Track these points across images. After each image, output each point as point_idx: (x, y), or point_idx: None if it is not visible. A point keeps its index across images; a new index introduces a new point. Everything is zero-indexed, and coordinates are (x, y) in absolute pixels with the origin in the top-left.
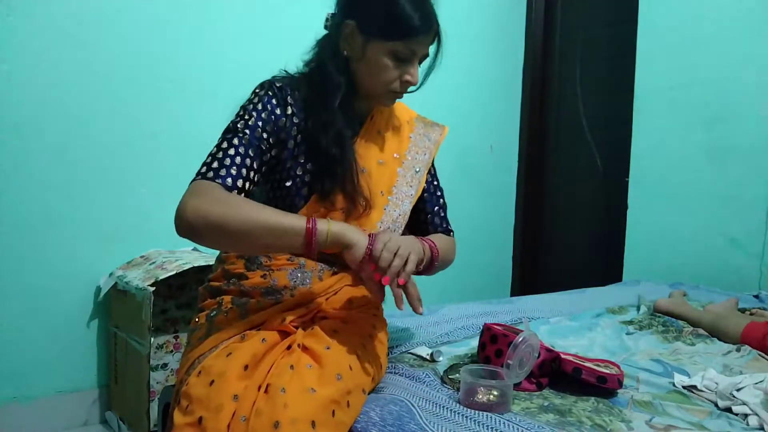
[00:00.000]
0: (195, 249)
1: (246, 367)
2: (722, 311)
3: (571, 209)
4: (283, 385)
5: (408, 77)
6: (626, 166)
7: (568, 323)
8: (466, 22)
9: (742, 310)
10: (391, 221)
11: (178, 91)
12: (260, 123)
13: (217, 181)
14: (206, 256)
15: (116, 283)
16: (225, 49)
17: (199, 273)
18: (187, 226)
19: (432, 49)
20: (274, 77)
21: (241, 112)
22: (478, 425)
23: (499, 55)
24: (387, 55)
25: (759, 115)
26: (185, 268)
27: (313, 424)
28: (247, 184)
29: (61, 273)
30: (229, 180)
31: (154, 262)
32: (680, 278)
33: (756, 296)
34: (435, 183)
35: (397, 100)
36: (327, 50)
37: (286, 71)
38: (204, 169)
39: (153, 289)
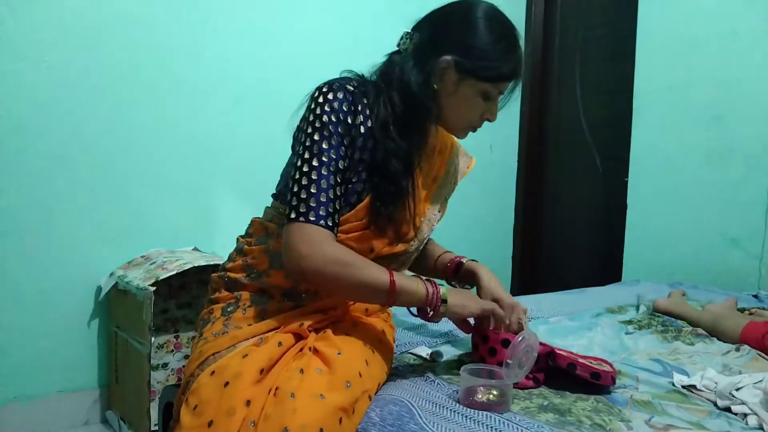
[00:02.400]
0: (195, 249)
1: (262, 371)
2: (721, 311)
3: (570, 209)
4: (293, 390)
5: (488, 116)
6: (626, 166)
7: (568, 323)
8: None
9: (741, 310)
10: (422, 240)
11: (179, 91)
12: (338, 138)
13: (315, 222)
14: (207, 256)
15: (117, 282)
16: (225, 50)
17: (199, 273)
18: (303, 276)
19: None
20: (345, 78)
21: (319, 126)
22: (478, 425)
23: None
24: (478, 94)
25: (759, 115)
26: (186, 268)
27: (321, 431)
28: (338, 208)
29: (61, 273)
30: (329, 221)
31: (154, 262)
32: (680, 278)
33: (755, 296)
34: None
35: None
36: (412, 75)
37: (355, 73)
38: (302, 209)
39: (153, 288)
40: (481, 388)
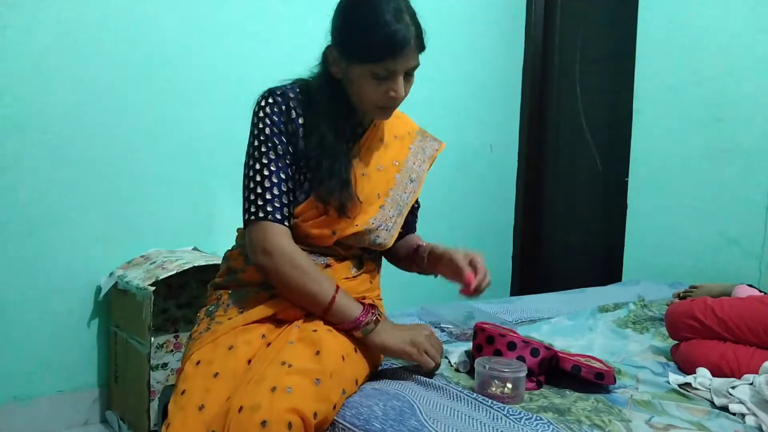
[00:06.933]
0: (195, 249)
1: (249, 362)
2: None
3: (571, 209)
4: (285, 359)
5: (392, 93)
6: (626, 166)
7: (568, 323)
8: (466, 22)
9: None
10: (385, 219)
11: (179, 91)
12: (276, 140)
13: (269, 218)
14: (206, 256)
15: (116, 282)
16: (226, 51)
17: (199, 272)
18: (262, 270)
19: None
20: (281, 85)
21: (257, 133)
22: (479, 424)
23: (499, 55)
24: (368, 76)
25: (759, 115)
26: (185, 268)
27: (318, 381)
28: (291, 203)
29: (61, 273)
30: (279, 215)
31: (154, 262)
32: (680, 278)
33: None
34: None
35: (402, 111)
36: (320, 71)
37: (301, 78)
38: (253, 209)
39: (153, 288)
40: (496, 381)
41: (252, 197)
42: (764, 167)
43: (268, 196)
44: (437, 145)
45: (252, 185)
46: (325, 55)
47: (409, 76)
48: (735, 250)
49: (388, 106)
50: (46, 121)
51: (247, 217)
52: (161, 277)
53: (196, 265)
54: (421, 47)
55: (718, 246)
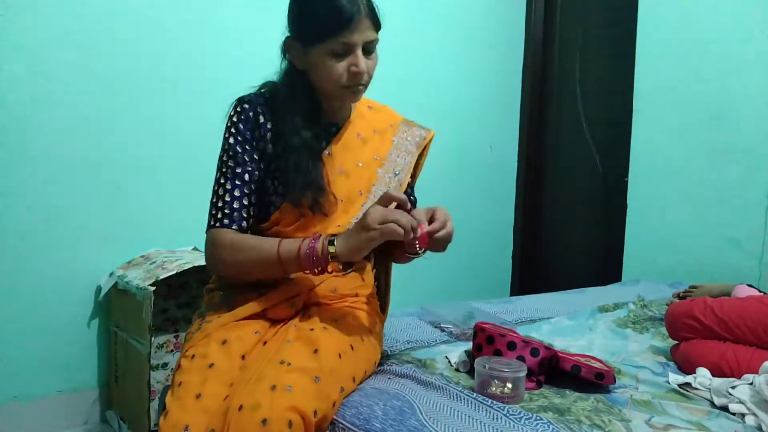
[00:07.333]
0: (195, 249)
1: (243, 357)
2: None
3: (570, 209)
4: (283, 357)
5: (354, 68)
6: (626, 166)
7: (568, 323)
8: (466, 21)
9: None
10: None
11: (179, 91)
12: (239, 148)
13: (217, 226)
14: None
15: (117, 282)
16: (226, 50)
17: (199, 272)
18: (217, 272)
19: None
20: (250, 94)
21: (222, 144)
22: (479, 424)
23: (499, 55)
24: (327, 55)
25: (759, 115)
26: (186, 268)
27: (317, 379)
28: (246, 207)
29: (61, 273)
30: (227, 220)
31: (154, 262)
32: (680, 278)
33: None
34: (410, 193)
35: (385, 105)
36: (283, 66)
37: (270, 81)
38: (212, 220)
39: (153, 288)
40: (496, 381)
41: (213, 207)
42: (764, 167)
43: (219, 204)
44: (425, 134)
45: (215, 196)
46: (284, 47)
47: (369, 53)
48: (735, 250)
49: (353, 84)
50: (45, 122)
51: (207, 227)
52: (161, 277)
53: (196, 265)
54: (376, 21)
55: (718, 246)
